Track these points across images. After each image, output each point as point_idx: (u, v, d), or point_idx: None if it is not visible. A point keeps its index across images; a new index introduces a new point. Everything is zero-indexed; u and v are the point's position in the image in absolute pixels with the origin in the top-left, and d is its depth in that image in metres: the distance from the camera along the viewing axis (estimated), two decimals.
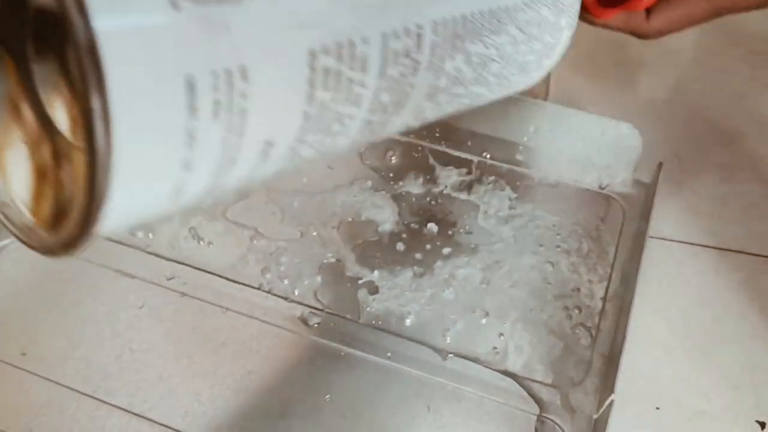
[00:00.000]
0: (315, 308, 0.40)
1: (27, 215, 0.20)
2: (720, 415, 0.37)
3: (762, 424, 0.37)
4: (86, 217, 0.16)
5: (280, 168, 0.21)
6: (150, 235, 0.43)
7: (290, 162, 0.21)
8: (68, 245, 0.17)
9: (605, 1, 0.35)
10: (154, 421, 0.36)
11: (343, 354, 0.39)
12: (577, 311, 0.40)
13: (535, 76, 0.30)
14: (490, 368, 0.38)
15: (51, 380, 0.37)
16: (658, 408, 0.37)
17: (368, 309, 0.40)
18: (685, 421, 0.37)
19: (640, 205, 0.44)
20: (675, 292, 0.42)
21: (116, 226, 0.17)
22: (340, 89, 0.19)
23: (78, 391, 0.37)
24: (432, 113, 0.25)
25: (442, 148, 0.47)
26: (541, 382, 0.37)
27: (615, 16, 0.35)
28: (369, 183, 0.46)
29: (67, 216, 0.18)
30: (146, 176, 0.16)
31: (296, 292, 0.41)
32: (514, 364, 0.38)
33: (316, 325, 0.40)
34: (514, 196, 0.45)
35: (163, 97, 0.15)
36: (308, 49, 0.18)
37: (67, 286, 0.41)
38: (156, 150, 0.16)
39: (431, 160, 0.47)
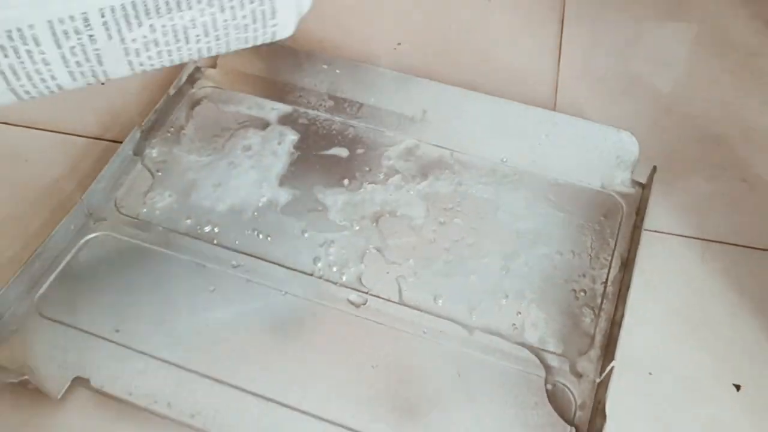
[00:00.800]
0: (360, 291, 0.47)
1: None
2: (702, 379, 0.44)
3: (737, 387, 0.44)
4: None
5: None
6: (216, 229, 0.50)
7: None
8: None
9: None
10: (233, 385, 0.43)
11: (385, 330, 0.46)
12: (582, 293, 0.47)
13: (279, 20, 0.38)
14: (510, 341, 0.45)
15: (143, 353, 0.44)
16: (650, 373, 0.44)
17: (405, 292, 0.47)
18: (672, 384, 0.44)
19: (637, 203, 0.51)
20: (667, 278, 0.49)
21: None
22: (22, 57, 0.32)
23: (166, 361, 0.44)
24: (154, 60, 0.36)
25: (466, 154, 0.54)
26: (552, 352, 0.45)
27: None
28: (402, 183, 0.53)
29: None
30: None
31: (344, 278, 0.48)
32: (531, 337, 0.45)
33: (362, 306, 0.47)
34: (529, 194, 0.52)
35: None
36: None
37: (148, 274, 0.48)
38: None
39: (456, 165, 0.54)
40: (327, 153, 0.54)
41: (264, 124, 0.56)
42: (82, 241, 0.49)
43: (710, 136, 0.57)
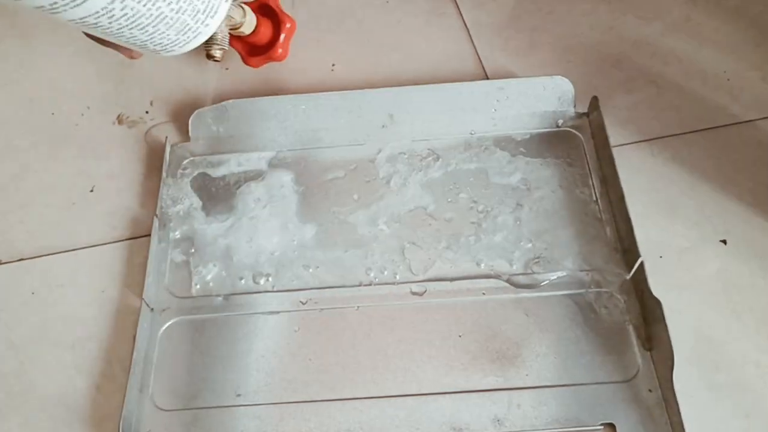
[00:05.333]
0: (416, 281, 0.55)
1: None
2: (695, 238, 0.56)
3: (724, 241, 0.56)
4: None
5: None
6: (269, 279, 0.55)
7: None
8: None
9: (251, 51, 0.64)
10: (363, 397, 0.49)
11: (452, 304, 0.54)
12: (584, 215, 0.57)
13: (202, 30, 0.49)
14: (549, 273, 0.54)
15: (275, 403, 0.50)
16: (661, 256, 0.55)
17: (451, 267, 0.55)
18: (677, 256, 0.55)
19: (589, 129, 0.62)
20: (636, 179, 0.59)
21: None
22: None
23: (298, 401, 0.50)
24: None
25: (441, 139, 0.62)
26: (586, 270, 0.54)
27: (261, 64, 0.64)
28: (402, 182, 0.60)
29: None
30: None
31: (397, 276, 0.55)
32: (563, 264, 0.55)
33: (424, 293, 0.54)
34: (505, 154, 0.61)
35: None
36: None
37: (232, 338, 0.53)
38: None
39: (437, 151, 0.62)
40: (326, 179, 0.61)
41: (259, 174, 0.61)
42: (160, 334, 0.53)
43: (612, 58, 0.68)
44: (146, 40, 0.46)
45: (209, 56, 0.56)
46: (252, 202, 0.59)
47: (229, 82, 0.68)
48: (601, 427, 0.48)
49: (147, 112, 0.67)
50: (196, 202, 0.60)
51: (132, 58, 0.52)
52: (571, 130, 0.62)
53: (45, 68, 0.71)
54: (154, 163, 0.63)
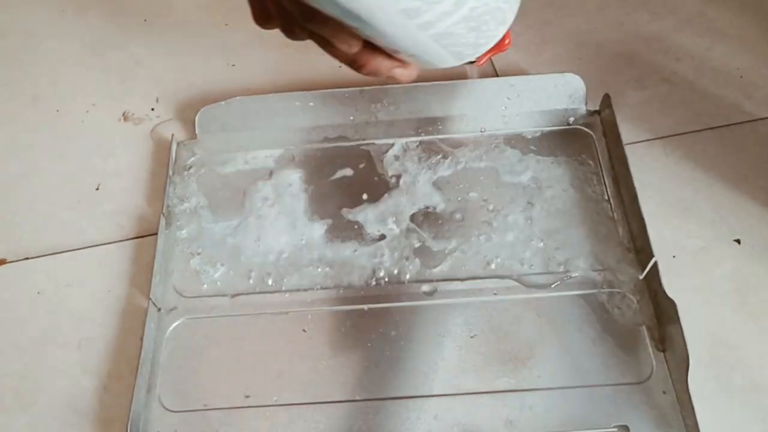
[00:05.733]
0: (427, 281, 0.54)
1: None
2: (709, 238, 0.55)
3: (738, 241, 0.55)
4: None
5: None
6: (278, 278, 0.55)
7: None
8: None
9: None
10: (378, 398, 0.49)
11: (464, 304, 0.53)
12: (596, 215, 0.56)
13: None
14: (561, 273, 0.53)
15: (284, 404, 0.49)
16: (674, 256, 0.55)
17: (462, 267, 0.54)
18: (691, 255, 0.55)
19: (601, 127, 0.61)
20: (648, 178, 0.59)
21: None
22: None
23: (308, 403, 0.49)
24: None
25: (451, 137, 0.61)
26: (599, 269, 0.54)
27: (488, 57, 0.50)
28: (412, 180, 0.59)
29: None
30: None
31: (407, 276, 0.54)
32: (575, 264, 0.54)
33: (435, 293, 0.53)
34: (516, 152, 0.60)
35: None
36: None
37: (242, 338, 0.52)
38: None
39: (445, 147, 0.61)
40: (335, 177, 0.60)
41: (267, 173, 0.60)
42: (167, 334, 0.52)
43: (624, 55, 0.67)
44: (466, 44, 0.38)
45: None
46: (259, 200, 0.59)
47: (235, 79, 0.68)
48: (615, 429, 0.47)
49: (153, 109, 0.66)
50: (203, 200, 0.59)
51: (398, 82, 0.40)
52: (582, 128, 0.61)
53: (49, 65, 0.70)
54: (161, 161, 0.62)
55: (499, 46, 0.47)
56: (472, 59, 0.41)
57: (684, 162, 0.60)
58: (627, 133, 0.61)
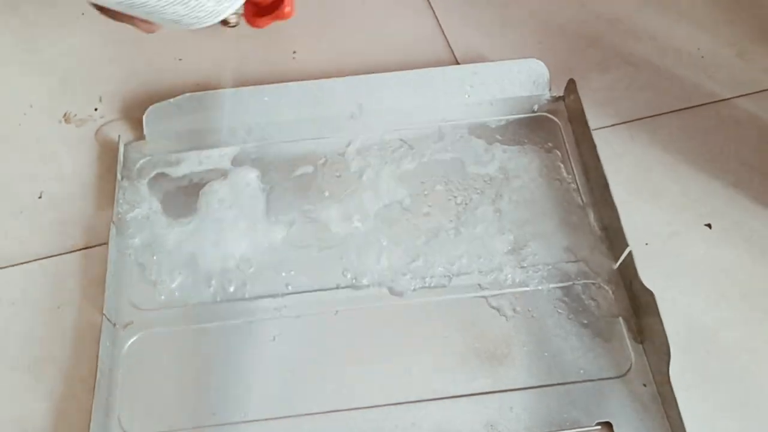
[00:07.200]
0: (397, 281, 0.52)
1: None
2: (677, 213, 0.54)
3: (709, 225, 0.55)
4: None
5: None
6: (240, 285, 0.52)
7: None
8: None
9: (257, 12, 0.57)
10: (350, 408, 0.47)
11: (436, 304, 0.51)
12: (566, 203, 0.55)
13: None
14: (534, 266, 0.52)
15: (256, 420, 0.46)
16: (647, 244, 0.54)
17: (433, 266, 0.52)
18: (660, 240, 0.54)
19: (566, 113, 0.60)
20: (615, 163, 0.57)
21: None
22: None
23: (282, 416, 0.47)
24: None
25: (412, 128, 0.59)
26: (573, 261, 0.52)
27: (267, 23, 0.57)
28: (374, 175, 0.57)
29: None
30: None
31: (376, 276, 0.52)
32: (547, 256, 0.52)
33: (406, 293, 0.51)
34: (481, 142, 0.58)
35: None
36: None
37: (205, 352, 0.49)
38: None
39: (409, 141, 0.59)
40: (295, 175, 0.57)
41: (222, 173, 0.57)
42: (124, 351, 0.49)
43: (587, 37, 0.66)
44: (185, 14, 0.44)
45: (225, 23, 0.53)
46: (216, 202, 0.56)
47: (184, 74, 0.64)
48: (598, 427, 0.46)
49: (96, 109, 0.62)
50: (156, 205, 0.56)
51: (150, 32, 0.49)
52: (547, 114, 0.60)
53: None
54: (107, 165, 0.58)
55: (278, 14, 0.56)
56: (212, 23, 0.47)
57: (651, 146, 0.59)
58: (591, 117, 0.59)
